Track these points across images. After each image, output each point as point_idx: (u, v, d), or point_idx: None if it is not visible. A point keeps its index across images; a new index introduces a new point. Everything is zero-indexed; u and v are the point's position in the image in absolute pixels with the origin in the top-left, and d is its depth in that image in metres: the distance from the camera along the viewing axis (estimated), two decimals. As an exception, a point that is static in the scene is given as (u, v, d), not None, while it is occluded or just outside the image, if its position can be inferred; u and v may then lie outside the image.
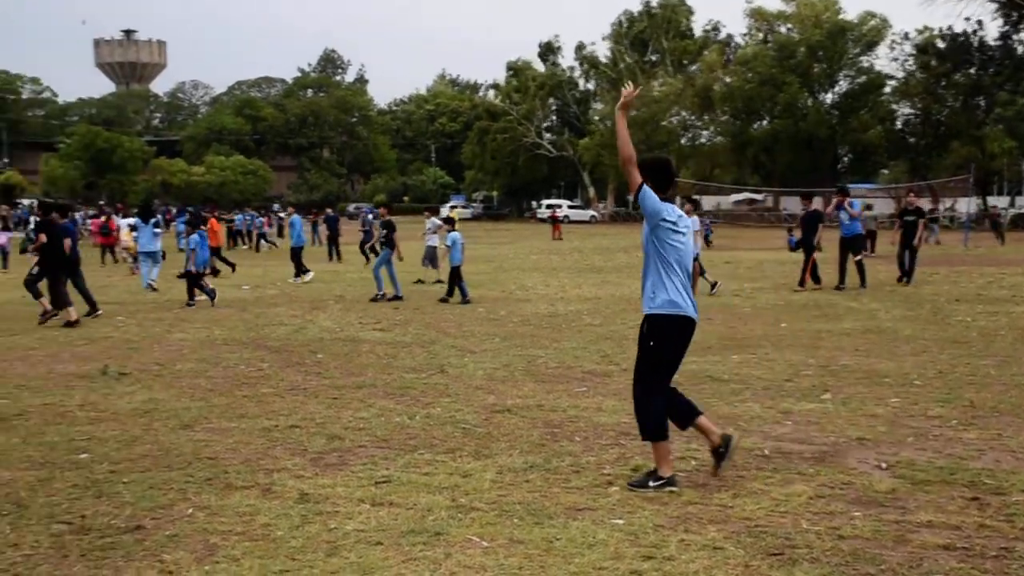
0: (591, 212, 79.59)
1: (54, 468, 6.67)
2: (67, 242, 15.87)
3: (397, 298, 18.35)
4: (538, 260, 31.67)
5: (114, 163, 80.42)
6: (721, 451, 6.26)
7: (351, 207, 57.02)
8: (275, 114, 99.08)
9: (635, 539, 5.15)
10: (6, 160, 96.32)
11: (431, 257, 23.03)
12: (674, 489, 5.99)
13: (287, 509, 5.70)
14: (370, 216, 39.71)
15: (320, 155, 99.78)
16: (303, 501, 5.85)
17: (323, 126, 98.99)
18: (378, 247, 20.23)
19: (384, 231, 19.16)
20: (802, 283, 19.31)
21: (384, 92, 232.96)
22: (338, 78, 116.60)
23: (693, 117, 75.60)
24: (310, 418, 8.23)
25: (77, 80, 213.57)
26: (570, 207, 78.62)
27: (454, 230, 19.17)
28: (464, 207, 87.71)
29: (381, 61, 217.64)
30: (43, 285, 15.53)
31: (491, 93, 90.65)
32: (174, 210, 48.49)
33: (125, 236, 30.43)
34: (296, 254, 23.99)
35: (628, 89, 6.34)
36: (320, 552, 5.00)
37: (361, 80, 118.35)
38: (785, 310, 16.11)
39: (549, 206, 76.06)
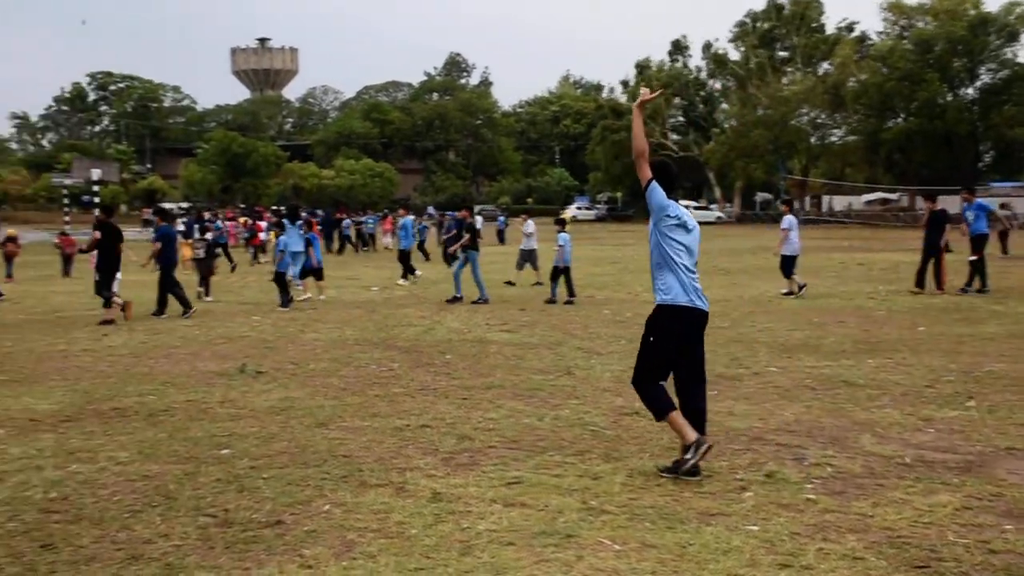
0: (717, 213, 78.46)
1: (199, 463, 6.92)
2: (156, 246, 17.00)
3: (483, 301, 18.21)
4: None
5: (248, 167, 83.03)
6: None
7: (430, 210, 57.13)
8: (402, 117, 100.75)
9: (771, 546, 5.05)
10: (149, 165, 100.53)
11: (529, 260, 22.76)
12: (705, 447, 6.30)
13: (420, 508, 5.78)
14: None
15: (446, 157, 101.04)
16: (436, 500, 5.93)
17: (449, 129, 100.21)
18: (459, 251, 19.94)
19: (466, 234, 19.24)
20: (920, 284, 18.52)
21: (508, 94, 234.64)
22: (463, 81, 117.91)
23: (824, 115, 73.77)
24: (440, 418, 8.34)
25: (214, 88, 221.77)
26: (695, 208, 77.71)
27: (564, 231, 19.16)
28: (588, 208, 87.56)
29: (505, 64, 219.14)
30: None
31: (618, 91, 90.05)
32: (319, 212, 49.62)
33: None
34: (404, 256, 24.33)
35: (647, 92, 6.80)
36: (454, 551, 5.06)
37: (486, 83, 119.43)
38: (922, 313, 15.56)
39: (675, 207, 75.33)
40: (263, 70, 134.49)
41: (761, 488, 6.09)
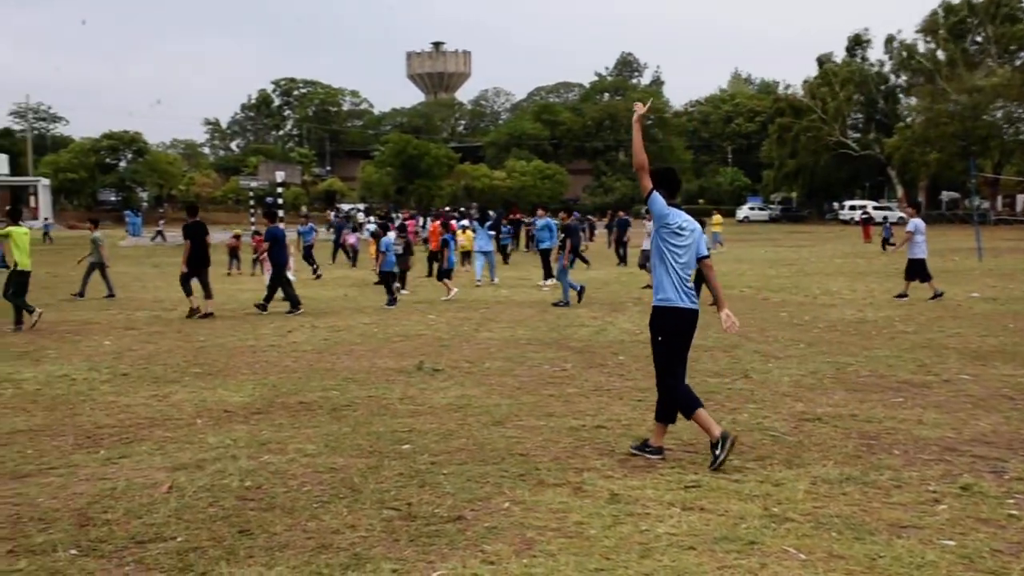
0: (898, 213, 75.27)
1: (381, 457, 7.13)
2: (264, 245, 18.21)
3: (564, 304, 18.06)
4: (842, 264, 30.39)
5: (422, 169, 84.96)
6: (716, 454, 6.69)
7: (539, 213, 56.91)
8: (572, 118, 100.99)
9: (970, 563, 4.81)
10: (328, 168, 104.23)
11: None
12: (657, 457, 6.91)
13: (599, 508, 5.78)
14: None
15: (616, 158, 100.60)
16: (614, 501, 5.92)
17: (619, 129, 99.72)
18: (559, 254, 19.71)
19: (563, 236, 19.24)
20: None
21: (680, 94, 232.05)
22: (634, 81, 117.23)
23: (1021, 109, 69.77)
24: (616, 419, 8.32)
25: (390, 91, 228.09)
26: (875, 208, 74.79)
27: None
28: (761, 208, 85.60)
29: (677, 63, 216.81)
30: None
31: (798, 89, 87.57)
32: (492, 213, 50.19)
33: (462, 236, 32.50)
34: (546, 256, 24.29)
35: (641, 106, 7.37)
36: (633, 553, 5.04)
37: (657, 82, 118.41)
38: None
39: (853, 207, 72.76)
40: (437, 73, 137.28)
41: (956, 501, 5.81)
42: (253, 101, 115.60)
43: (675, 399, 6.94)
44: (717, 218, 41.34)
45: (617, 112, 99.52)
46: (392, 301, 18.55)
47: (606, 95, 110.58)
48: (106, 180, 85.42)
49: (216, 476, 6.62)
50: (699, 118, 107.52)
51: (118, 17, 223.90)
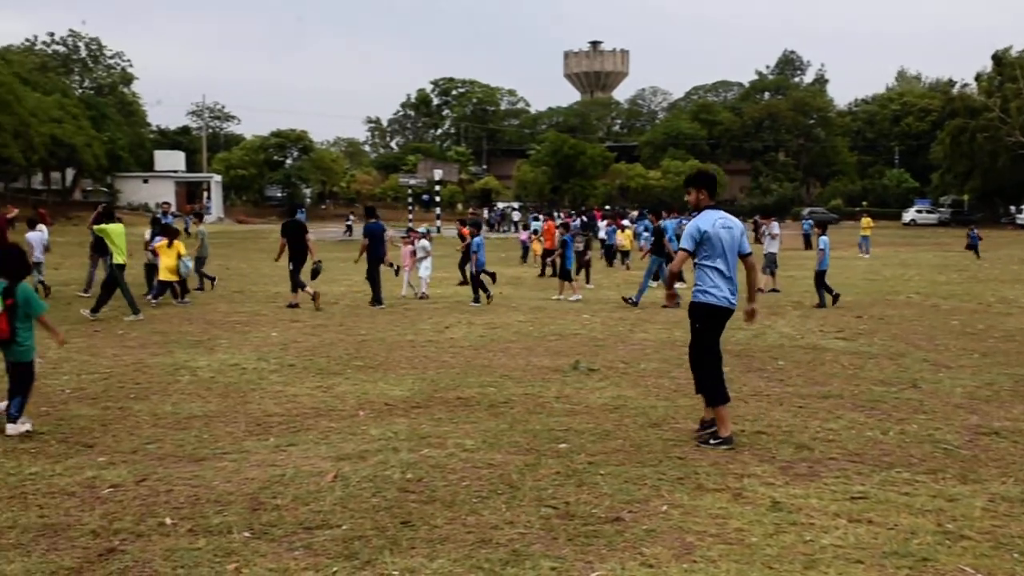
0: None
1: (539, 455, 7.17)
2: (365, 241, 18.71)
3: (632, 302, 18.45)
4: (1019, 271, 28.89)
5: (577, 168, 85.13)
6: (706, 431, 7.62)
7: (633, 214, 54.48)
8: (731, 118, 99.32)
9: None
10: (484, 167, 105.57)
11: (769, 264, 21.71)
12: (731, 447, 7.33)
13: (760, 516, 5.67)
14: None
15: (775, 158, 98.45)
16: (775, 509, 5.79)
17: (779, 129, 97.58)
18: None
19: (652, 237, 19.55)
20: None
21: (844, 92, 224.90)
22: (796, 80, 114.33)
23: None
24: (776, 425, 8.14)
25: (547, 90, 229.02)
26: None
27: (825, 234, 19.30)
28: (929, 212, 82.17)
29: (841, 61, 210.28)
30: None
31: (972, 87, 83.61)
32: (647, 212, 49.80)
33: (621, 236, 32.63)
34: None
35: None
36: (797, 563, 4.91)
37: (820, 81, 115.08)
38: None
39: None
40: (594, 72, 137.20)
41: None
42: (413, 100, 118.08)
43: (705, 385, 7.70)
44: (866, 221, 39.82)
45: (778, 111, 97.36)
46: (477, 299, 18.82)
47: (766, 94, 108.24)
48: (273, 177, 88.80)
49: (378, 467, 6.78)
50: (864, 117, 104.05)
51: (284, 18, 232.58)
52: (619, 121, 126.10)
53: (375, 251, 18.79)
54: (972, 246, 36.91)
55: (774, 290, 20.97)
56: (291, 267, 17.98)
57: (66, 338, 9.44)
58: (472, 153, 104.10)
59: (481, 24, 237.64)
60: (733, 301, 7.59)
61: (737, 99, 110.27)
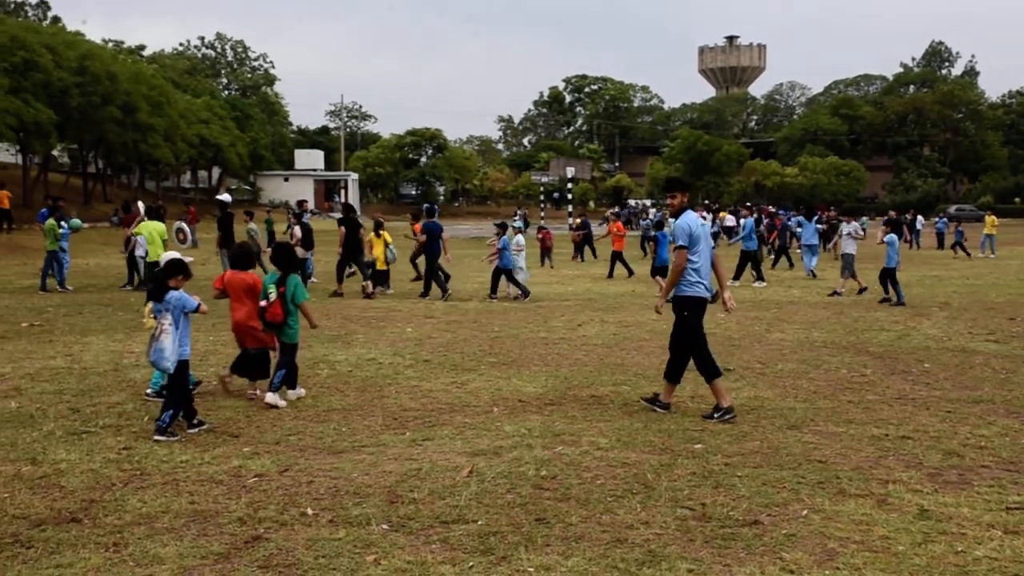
0: None
1: (674, 455, 7.09)
2: (423, 238, 19.50)
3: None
4: None
5: (712, 165, 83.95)
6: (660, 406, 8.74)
7: (652, 213, 51.15)
8: (873, 112, 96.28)
9: None
10: (616, 164, 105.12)
11: (848, 265, 20.79)
12: (733, 417, 8.29)
13: (907, 524, 5.46)
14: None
15: (920, 154, 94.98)
16: (923, 518, 5.58)
17: (924, 123, 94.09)
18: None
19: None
20: None
21: (997, 84, 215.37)
22: (944, 72, 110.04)
23: None
24: (922, 430, 7.84)
25: (681, 86, 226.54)
26: None
27: (891, 231, 19.02)
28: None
29: (994, 51, 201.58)
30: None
31: None
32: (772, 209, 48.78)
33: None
34: (748, 258, 23.10)
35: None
36: (948, 575, 4.71)
37: (971, 73, 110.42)
38: None
39: None
40: (729, 68, 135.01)
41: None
42: (545, 98, 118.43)
43: (700, 364, 8.65)
44: (991, 220, 37.93)
45: (924, 105, 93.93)
46: (526, 294, 19.23)
47: (911, 87, 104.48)
48: (408, 175, 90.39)
49: (513, 464, 6.81)
50: (1018, 110, 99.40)
51: (421, 18, 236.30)
52: (755, 117, 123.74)
53: (433, 248, 19.39)
54: (958, 243, 35.79)
55: (863, 290, 20.09)
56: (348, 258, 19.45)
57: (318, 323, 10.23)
58: (604, 150, 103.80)
59: (615, 21, 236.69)
60: (709, 293, 8.78)
61: (880, 93, 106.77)
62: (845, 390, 9.70)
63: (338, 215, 67.59)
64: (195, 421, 7.93)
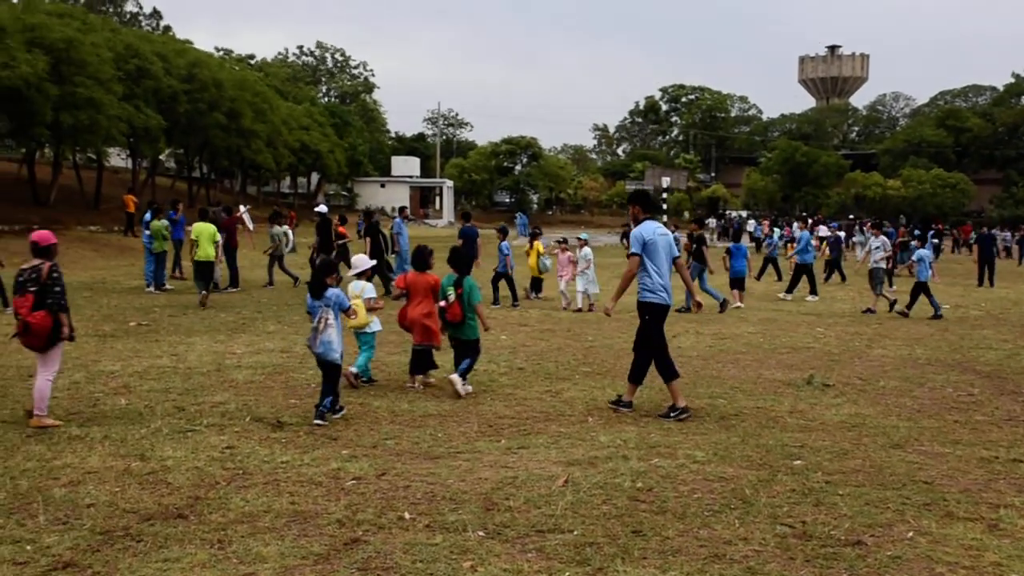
0: None
1: (772, 470, 6.96)
2: (459, 243, 19.10)
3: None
4: None
5: (810, 176, 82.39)
6: (625, 407, 9.25)
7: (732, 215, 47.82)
8: (981, 124, 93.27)
9: None
10: (712, 174, 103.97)
11: (878, 280, 20.02)
12: (688, 416, 8.84)
13: (1020, 551, 5.28)
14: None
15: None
16: (1038, 545, 5.38)
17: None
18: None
19: (694, 246, 19.79)
20: None
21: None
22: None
23: None
24: (1035, 454, 7.57)
25: (780, 97, 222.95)
26: None
27: (922, 246, 19.38)
28: None
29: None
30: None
31: None
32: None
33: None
34: (803, 271, 22.41)
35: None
36: (1062, 606, 4.54)
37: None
38: None
39: None
40: (831, 78, 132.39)
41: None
42: (641, 107, 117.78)
43: (660, 365, 9.14)
44: None
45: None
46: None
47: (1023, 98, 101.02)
48: (503, 183, 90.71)
49: (608, 475, 6.77)
50: None
51: (518, 26, 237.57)
52: (855, 128, 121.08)
53: (467, 252, 19.18)
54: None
55: (899, 308, 19.36)
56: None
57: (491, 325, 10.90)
58: (700, 160, 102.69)
59: (714, 30, 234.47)
60: (669, 300, 9.20)
61: (989, 104, 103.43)
62: (951, 410, 9.42)
63: (433, 222, 68.37)
64: (338, 407, 8.72)
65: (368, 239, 20.54)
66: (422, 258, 10.42)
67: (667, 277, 9.14)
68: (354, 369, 10.06)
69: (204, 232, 18.72)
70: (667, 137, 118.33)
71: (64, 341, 8.22)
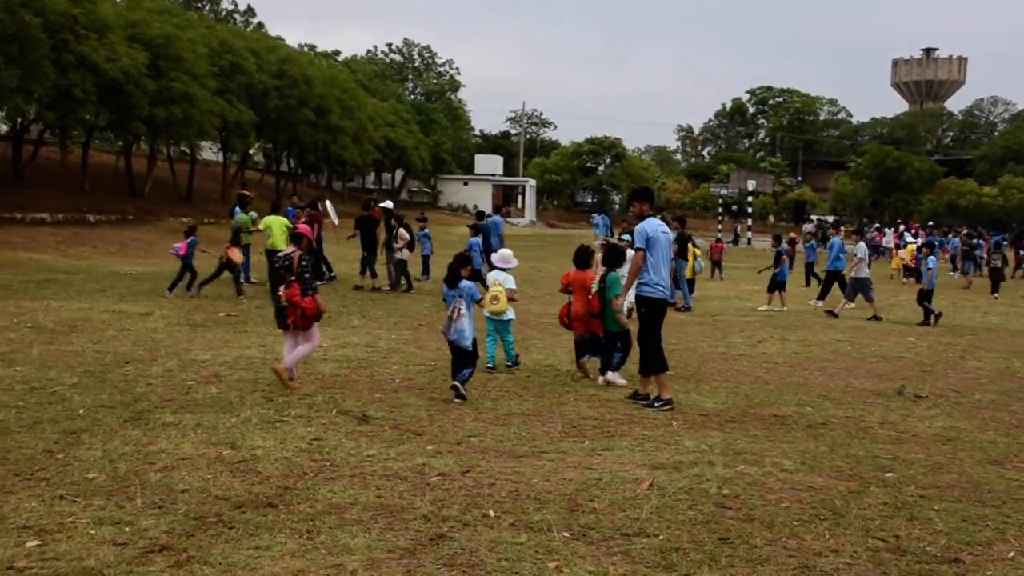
0: None
1: (863, 482, 6.81)
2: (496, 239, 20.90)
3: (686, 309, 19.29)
4: None
5: (902, 182, 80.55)
6: (643, 401, 9.56)
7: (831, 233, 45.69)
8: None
9: None
10: (799, 178, 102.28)
11: (862, 289, 19.53)
12: (671, 407, 9.20)
13: (1126, 576, 5.07)
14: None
15: None
16: None
17: None
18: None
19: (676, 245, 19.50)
20: None
21: None
22: None
23: None
24: None
25: (871, 100, 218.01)
26: None
27: (932, 255, 19.40)
28: None
29: None
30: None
31: None
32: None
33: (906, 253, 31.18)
34: (834, 278, 21.59)
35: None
36: None
37: None
38: None
39: None
40: (925, 81, 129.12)
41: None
42: (727, 109, 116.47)
43: (648, 357, 9.49)
44: None
45: None
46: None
47: None
48: (585, 183, 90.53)
49: (694, 480, 6.69)
50: None
51: (602, 27, 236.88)
52: (950, 133, 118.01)
53: (498, 246, 20.37)
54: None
55: (875, 317, 18.95)
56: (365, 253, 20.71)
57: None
58: (787, 164, 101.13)
59: (802, 31, 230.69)
60: (667, 294, 9.64)
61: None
62: (1054, 426, 9.12)
63: (515, 221, 68.40)
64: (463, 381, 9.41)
65: (360, 231, 20.91)
66: (583, 257, 11.06)
67: (666, 273, 9.62)
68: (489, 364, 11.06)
69: (275, 223, 19.00)
70: (753, 140, 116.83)
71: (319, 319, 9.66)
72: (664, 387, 9.43)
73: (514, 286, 11.29)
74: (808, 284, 27.49)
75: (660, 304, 9.57)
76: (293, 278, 9.33)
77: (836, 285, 21.32)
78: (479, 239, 20.99)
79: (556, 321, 16.08)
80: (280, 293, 9.39)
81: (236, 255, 18.02)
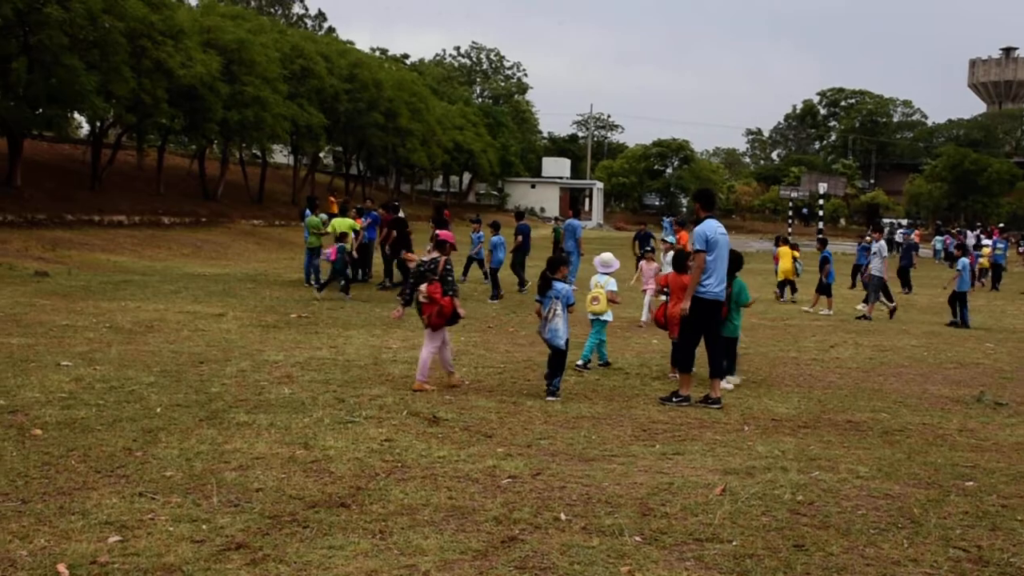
0: None
1: (942, 490, 6.66)
2: (518, 239, 21.68)
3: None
4: None
5: (979, 185, 78.79)
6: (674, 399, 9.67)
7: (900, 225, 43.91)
8: None
9: None
10: (871, 181, 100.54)
11: (878, 288, 19.33)
12: (688, 404, 9.44)
13: None
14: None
15: None
16: None
17: None
18: None
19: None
20: None
21: None
22: None
23: None
24: None
25: (947, 101, 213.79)
26: None
27: (964, 256, 19.36)
28: None
29: None
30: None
31: None
32: None
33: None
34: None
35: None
36: None
37: None
38: None
39: None
40: (1004, 82, 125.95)
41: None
42: (797, 111, 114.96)
43: (683, 354, 9.79)
44: None
45: None
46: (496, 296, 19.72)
47: None
48: (652, 185, 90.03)
49: (767, 486, 6.61)
50: None
51: (669, 30, 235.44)
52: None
53: (525, 246, 21.85)
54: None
55: (896, 309, 19.05)
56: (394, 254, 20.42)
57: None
58: (859, 167, 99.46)
59: (877, 33, 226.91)
60: (720, 295, 9.62)
61: None
62: None
63: (582, 223, 68.18)
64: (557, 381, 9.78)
65: (394, 232, 20.69)
66: (681, 260, 10.90)
67: (722, 274, 9.60)
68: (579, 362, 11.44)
69: (343, 225, 19.24)
70: (824, 142, 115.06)
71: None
72: (686, 384, 9.68)
73: (615, 288, 11.65)
74: (853, 286, 26.98)
75: (708, 305, 9.54)
76: (436, 278, 9.83)
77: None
78: (501, 237, 21.20)
79: (624, 325, 16.09)
80: (421, 288, 9.80)
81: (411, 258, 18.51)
